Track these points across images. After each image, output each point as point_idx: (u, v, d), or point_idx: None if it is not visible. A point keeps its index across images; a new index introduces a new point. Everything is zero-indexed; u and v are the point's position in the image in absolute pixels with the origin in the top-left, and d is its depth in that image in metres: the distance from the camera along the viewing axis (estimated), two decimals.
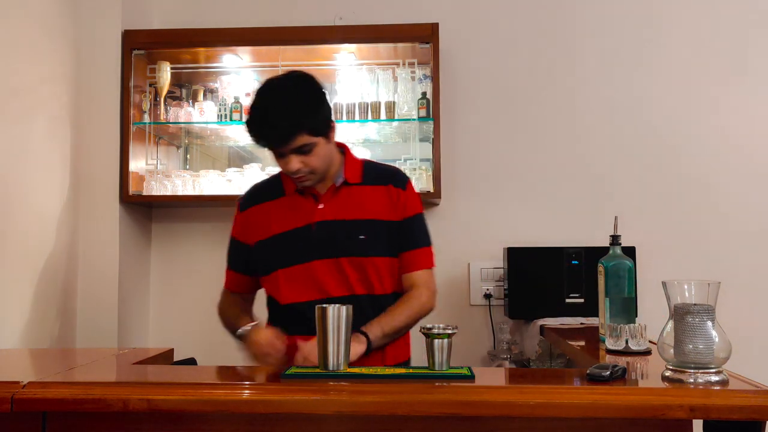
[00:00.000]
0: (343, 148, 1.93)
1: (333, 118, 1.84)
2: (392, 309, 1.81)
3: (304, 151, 1.74)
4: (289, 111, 1.71)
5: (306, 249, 1.83)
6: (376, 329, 1.73)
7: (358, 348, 1.65)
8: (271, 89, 1.78)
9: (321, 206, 1.85)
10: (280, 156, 1.77)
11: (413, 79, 2.83)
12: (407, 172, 2.75)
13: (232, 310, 1.95)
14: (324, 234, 1.83)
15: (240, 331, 1.80)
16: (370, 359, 1.70)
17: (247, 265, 1.95)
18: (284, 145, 1.73)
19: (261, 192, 1.96)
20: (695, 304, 1.33)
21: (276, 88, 1.78)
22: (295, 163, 1.75)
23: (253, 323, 1.82)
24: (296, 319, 1.85)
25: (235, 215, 1.98)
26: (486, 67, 2.99)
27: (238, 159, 3.11)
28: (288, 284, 1.85)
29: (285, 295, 1.87)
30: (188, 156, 3.13)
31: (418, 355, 2.06)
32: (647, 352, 1.70)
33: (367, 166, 1.94)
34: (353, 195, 1.87)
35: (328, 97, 1.81)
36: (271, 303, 1.94)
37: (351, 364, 1.49)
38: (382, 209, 1.86)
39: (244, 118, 2.78)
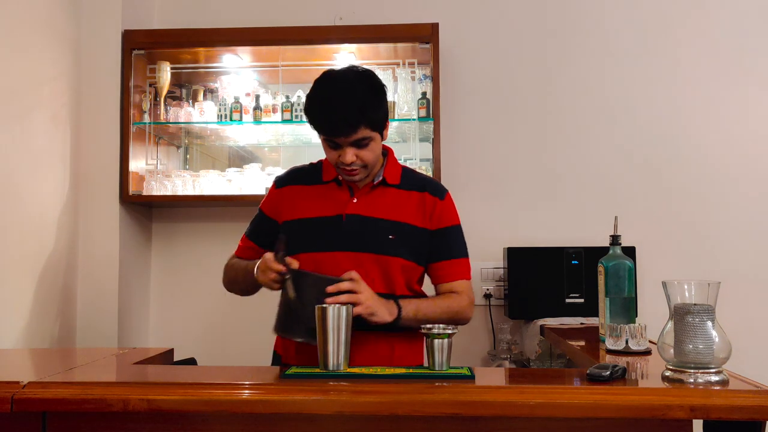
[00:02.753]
0: (386, 150, 1.92)
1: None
2: (432, 298, 1.82)
3: (362, 144, 1.73)
4: (355, 102, 1.70)
5: (333, 239, 1.82)
6: (411, 307, 1.72)
7: (387, 316, 1.66)
8: (333, 79, 1.76)
9: (355, 200, 1.84)
10: (335, 147, 1.75)
11: (413, 79, 2.83)
12: None
13: (243, 263, 1.90)
14: (353, 227, 1.82)
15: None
16: (378, 358, 1.70)
17: (263, 240, 1.91)
18: (347, 135, 1.71)
19: (300, 174, 1.94)
20: (695, 304, 1.33)
21: (339, 79, 1.76)
22: (351, 155, 1.73)
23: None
24: None
25: (270, 190, 1.96)
26: (486, 67, 2.99)
27: (238, 159, 3.12)
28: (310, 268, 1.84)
29: None
30: (188, 156, 3.13)
31: None
32: (647, 352, 1.70)
33: (406, 171, 1.93)
34: (388, 195, 1.86)
35: (387, 94, 1.80)
36: None
37: (373, 324, 1.62)
38: (414, 215, 1.84)
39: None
